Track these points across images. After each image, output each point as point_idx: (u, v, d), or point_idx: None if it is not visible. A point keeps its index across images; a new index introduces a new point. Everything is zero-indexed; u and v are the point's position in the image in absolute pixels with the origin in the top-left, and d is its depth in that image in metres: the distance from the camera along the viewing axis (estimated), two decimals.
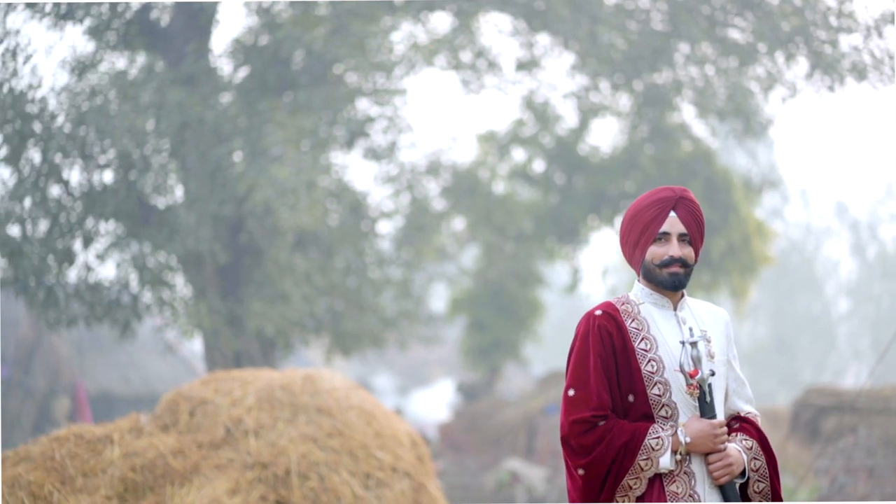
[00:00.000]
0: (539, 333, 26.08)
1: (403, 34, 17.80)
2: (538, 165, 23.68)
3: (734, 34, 17.57)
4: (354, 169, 56.33)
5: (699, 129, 22.09)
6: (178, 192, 16.45)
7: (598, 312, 4.17)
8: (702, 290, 22.47)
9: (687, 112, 20.89)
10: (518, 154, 23.87)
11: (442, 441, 23.66)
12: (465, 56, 18.59)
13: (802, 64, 17.14)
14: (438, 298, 34.03)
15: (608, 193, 22.44)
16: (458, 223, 24.40)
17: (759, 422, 4.29)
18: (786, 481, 14.78)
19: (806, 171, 76.84)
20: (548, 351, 41.91)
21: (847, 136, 73.69)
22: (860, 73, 16.47)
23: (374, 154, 18.27)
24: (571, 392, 4.10)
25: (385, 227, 20.76)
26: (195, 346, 25.32)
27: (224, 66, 16.95)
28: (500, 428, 22.90)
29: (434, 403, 34.72)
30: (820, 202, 62.99)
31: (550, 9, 16.95)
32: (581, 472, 4.04)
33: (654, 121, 21.00)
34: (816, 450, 14.25)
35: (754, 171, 30.17)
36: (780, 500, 4.17)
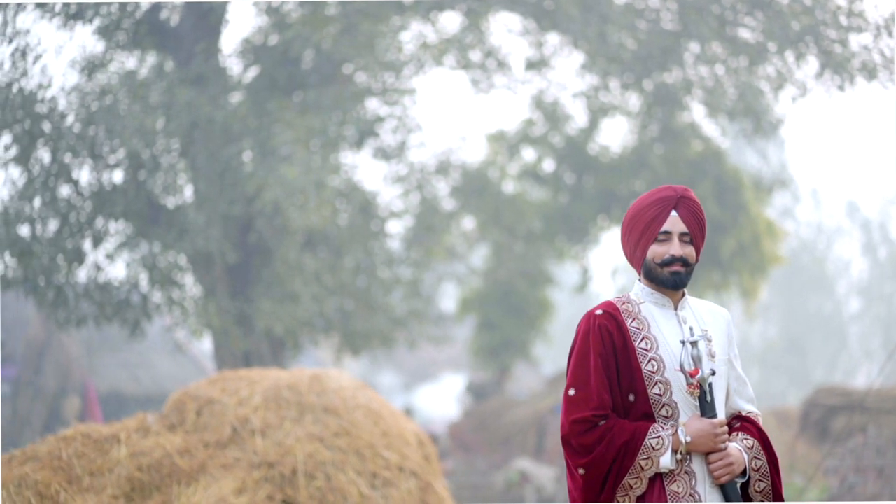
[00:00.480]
0: (549, 333, 26.06)
1: (413, 34, 17.80)
2: (548, 165, 23.66)
3: (744, 34, 17.54)
4: (364, 169, 56.34)
5: (709, 128, 22.09)
6: (188, 192, 16.48)
7: (599, 312, 4.17)
8: (712, 290, 22.43)
9: (697, 111, 20.88)
10: (528, 154, 23.86)
11: (451, 440, 23.64)
12: (475, 55, 18.57)
13: (812, 63, 17.11)
14: (448, 298, 34.02)
15: (618, 193, 22.41)
16: (468, 223, 24.37)
17: (761, 421, 4.28)
18: (795, 480, 14.75)
19: (817, 170, 76.75)
20: (557, 350, 41.85)
21: (858, 136, 73.56)
22: (870, 72, 16.43)
23: (383, 154, 18.26)
24: (572, 392, 4.10)
25: (395, 227, 20.74)
26: (205, 345, 25.36)
27: (233, 66, 16.98)
28: (510, 427, 22.89)
29: (443, 399, 34.69)
30: (831, 201, 62.91)
31: (560, 8, 16.93)
32: (582, 471, 4.04)
33: (664, 120, 20.99)
34: (826, 449, 14.21)
35: (765, 170, 30.16)
36: (782, 499, 4.17)
